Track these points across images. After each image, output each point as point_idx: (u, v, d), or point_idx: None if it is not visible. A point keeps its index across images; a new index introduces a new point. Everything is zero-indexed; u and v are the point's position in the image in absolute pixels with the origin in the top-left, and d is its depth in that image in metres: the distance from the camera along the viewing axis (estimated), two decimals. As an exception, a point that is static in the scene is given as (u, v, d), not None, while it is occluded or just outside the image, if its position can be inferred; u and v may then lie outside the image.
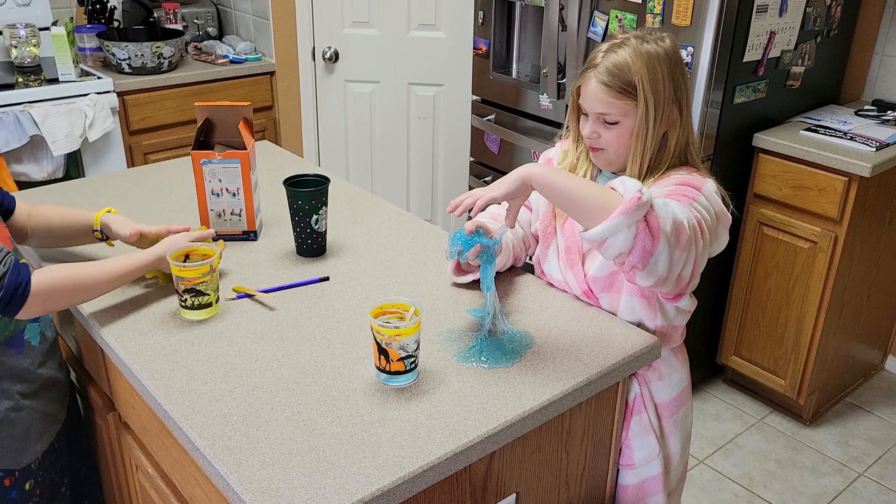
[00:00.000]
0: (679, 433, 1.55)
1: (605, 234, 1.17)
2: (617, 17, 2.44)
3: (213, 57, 3.27)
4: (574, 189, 1.21)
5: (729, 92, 2.39)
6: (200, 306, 1.38)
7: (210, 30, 3.48)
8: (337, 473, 1.04)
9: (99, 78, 2.91)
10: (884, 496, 2.41)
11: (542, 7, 2.67)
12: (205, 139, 1.68)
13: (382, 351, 1.20)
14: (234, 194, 1.63)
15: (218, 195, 1.63)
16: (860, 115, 2.63)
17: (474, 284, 1.52)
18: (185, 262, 1.39)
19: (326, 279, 1.52)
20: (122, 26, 3.28)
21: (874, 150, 2.34)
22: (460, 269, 1.54)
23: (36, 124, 2.68)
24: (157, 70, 3.03)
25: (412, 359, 1.21)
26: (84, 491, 1.70)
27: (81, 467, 1.68)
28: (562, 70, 2.65)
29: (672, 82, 1.38)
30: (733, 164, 2.53)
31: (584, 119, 1.44)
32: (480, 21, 2.91)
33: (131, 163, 3.07)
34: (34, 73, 2.96)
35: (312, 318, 1.40)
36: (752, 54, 2.39)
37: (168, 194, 1.92)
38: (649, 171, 1.42)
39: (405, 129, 3.43)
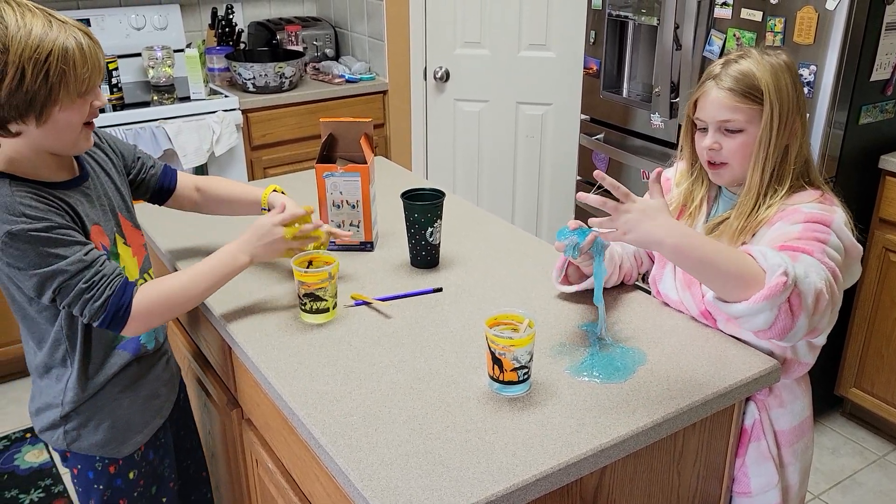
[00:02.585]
0: (799, 464, 1.50)
1: (743, 314, 1.17)
2: (735, 35, 2.40)
3: (330, 77, 3.41)
4: (708, 260, 1.18)
5: (854, 112, 2.30)
6: (318, 311, 1.44)
7: (328, 51, 3.63)
8: (452, 476, 1.06)
9: (226, 96, 3.09)
10: None
11: (656, 26, 2.65)
12: (328, 153, 1.76)
13: (497, 360, 1.22)
14: (353, 206, 1.70)
15: (339, 207, 1.71)
16: None
17: (582, 300, 1.52)
18: (307, 268, 1.46)
19: (440, 290, 1.56)
20: (247, 48, 3.47)
21: None
22: (567, 278, 1.55)
23: (169, 139, 2.86)
24: (278, 89, 3.18)
25: (525, 370, 1.23)
26: (192, 487, 1.77)
27: (190, 465, 1.76)
28: (675, 89, 2.62)
29: (795, 91, 1.36)
30: (857, 188, 2.43)
31: (702, 134, 1.42)
32: (592, 41, 2.92)
33: (252, 176, 3.23)
34: (168, 91, 3.17)
35: (427, 327, 1.45)
36: (879, 73, 2.30)
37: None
38: (770, 184, 1.38)
39: (512, 148, 3.47)
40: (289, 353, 1.36)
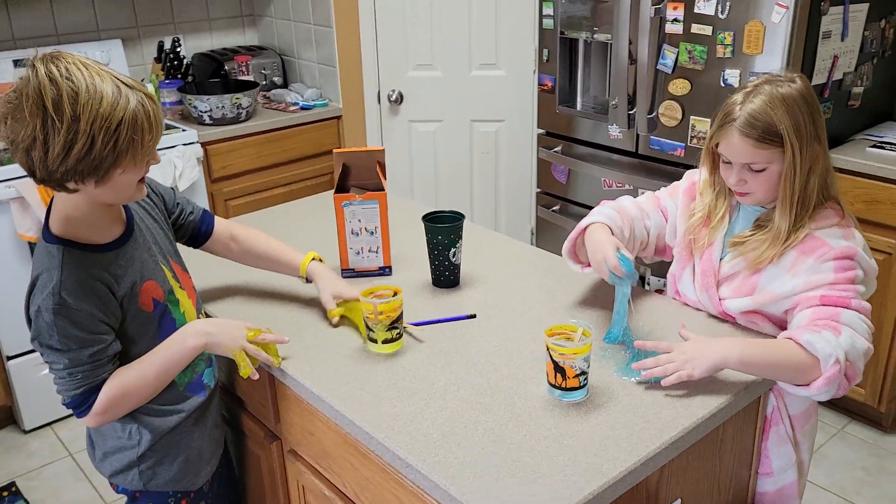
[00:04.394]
0: (807, 442, 1.64)
1: (810, 395, 1.36)
2: (687, 49, 2.57)
3: (284, 105, 3.42)
4: (770, 364, 1.35)
5: (799, 114, 2.50)
6: (393, 340, 1.48)
7: (276, 79, 3.63)
8: (546, 482, 1.13)
9: (184, 130, 3.06)
10: (976, 498, 2.47)
11: (607, 42, 2.81)
12: (340, 183, 1.79)
13: (559, 369, 1.30)
14: (371, 233, 1.75)
15: (357, 234, 1.75)
16: (920, 130, 2.75)
17: (607, 304, 1.61)
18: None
19: (473, 316, 1.61)
20: (196, 80, 3.43)
21: (943, 162, 2.45)
22: (576, 256, 1.66)
23: (132, 177, 2.81)
24: (235, 120, 3.17)
25: (585, 375, 1.31)
26: None
27: (234, 495, 1.79)
28: (631, 101, 2.77)
29: (812, 122, 1.41)
30: (804, 183, 2.64)
31: (726, 167, 1.48)
32: (545, 58, 3.05)
33: (213, 210, 3.20)
34: (121, 128, 3.11)
35: (469, 346, 1.51)
36: (818, 78, 2.51)
37: (290, 236, 2.03)
38: (799, 211, 1.44)
39: (468, 165, 3.56)
40: (346, 380, 1.40)
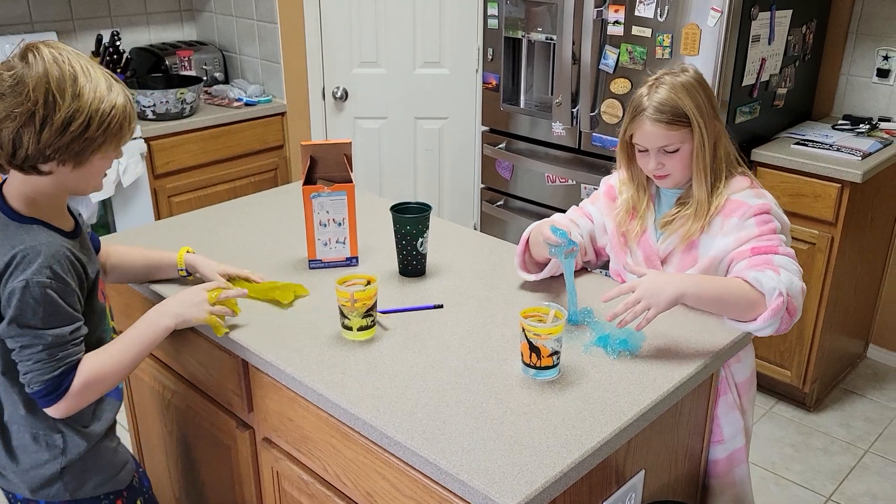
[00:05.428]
0: (751, 409, 1.78)
1: (756, 330, 1.51)
2: (628, 50, 2.69)
3: (227, 100, 3.40)
4: (720, 296, 1.49)
5: (732, 113, 2.66)
6: (368, 327, 1.52)
7: (217, 74, 3.60)
8: (531, 453, 1.20)
9: (126, 125, 3.00)
10: (891, 468, 2.68)
11: (549, 43, 2.91)
12: (308, 176, 1.82)
13: (534, 349, 1.37)
14: (339, 224, 1.78)
15: (325, 225, 1.78)
16: (837, 129, 2.95)
17: (549, 287, 1.69)
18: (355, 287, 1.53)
19: (440, 307, 1.66)
20: (135, 74, 3.37)
21: (860, 158, 2.64)
22: (525, 266, 1.74)
23: (75, 172, 2.75)
24: (179, 115, 3.14)
25: (558, 354, 1.39)
26: None
27: None
28: (574, 100, 2.88)
29: (710, 102, 1.61)
30: (735, 178, 2.81)
31: (643, 155, 1.64)
32: (490, 58, 3.13)
33: (156, 206, 3.16)
34: (59, 122, 3.03)
35: (441, 331, 1.56)
36: (748, 79, 2.68)
37: (251, 230, 2.05)
38: (714, 183, 1.64)
39: (412, 161, 3.62)
40: (327, 366, 1.44)
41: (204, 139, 3.22)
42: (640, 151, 1.65)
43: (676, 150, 1.60)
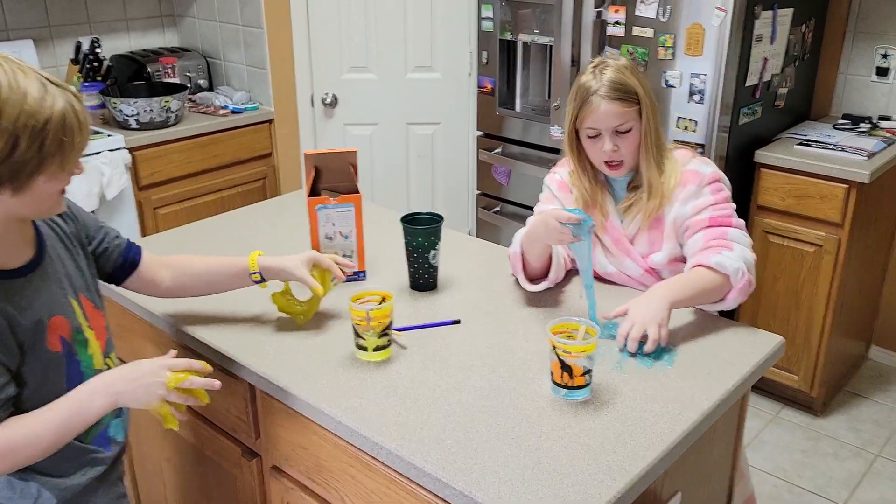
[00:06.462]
0: (748, 470, 1.79)
1: (726, 308, 1.57)
2: (629, 51, 2.63)
3: (213, 108, 3.29)
4: (697, 292, 1.53)
5: (735, 115, 2.61)
6: (384, 347, 1.43)
7: (201, 82, 3.49)
8: (572, 482, 1.12)
9: (109, 135, 2.89)
10: (903, 472, 2.63)
11: (547, 45, 2.84)
12: (312, 186, 1.73)
13: (566, 367, 1.29)
14: (346, 237, 1.69)
15: (331, 239, 1.69)
16: (838, 129, 2.91)
17: (576, 302, 1.62)
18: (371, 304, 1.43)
19: (458, 322, 1.58)
20: (116, 82, 3.25)
21: (866, 158, 2.60)
22: (530, 279, 1.68)
23: (57, 185, 2.63)
24: (164, 124, 3.02)
25: (590, 373, 1.31)
26: None
27: None
28: (573, 103, 2.81)
29: (648, 83, 1.63)
30: (739, 181, 2.75)
31: (594, 142, 1.62)
32: (485, 61, 3.06)
33: (142, 219, 3.04)
34: (37, 133, 2.90)
35: (460, 349, 1.48)
36: (751, 79, 2.62)
37: (248, 246, 1.95)
38: (660, 161, 1.64)
39: (405, 168, 3.53)
40: (343, 390, 1.35)
41: (190, 148, 3.10)
42: (590, 138, 1.63)
43: (628, 131, 1.60)
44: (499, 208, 3.22)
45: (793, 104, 2.97)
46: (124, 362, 1.31)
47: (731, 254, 1.55)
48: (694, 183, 1.63)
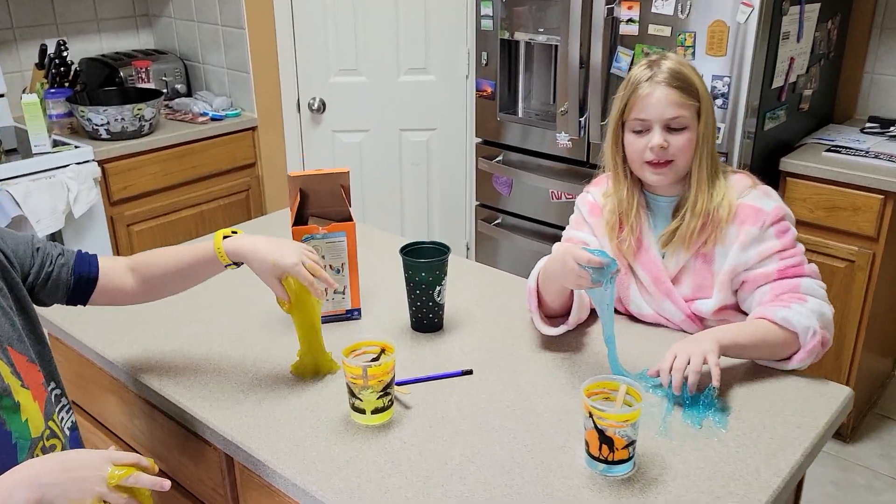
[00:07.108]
0: None
1: (794, 368, 1.34)
2: (644, 51, 2.40)
3: (191, 115, 3.05)
4: (757, 342, 1.31)
5: (761, 119, 2.39)
6: (385, 408, 1.21)
7: (178, 86, 3.25)
8: None
9: (76, 146, 2.64)
10: (945, 506, 2.43)
11: (552, 45, 2.61)
12: (298, 212, 1.50)
13: (606, 440, 1.07)
14: (338, 271, 1.46)
15: (320, 273, 1.46)
16: (867, 133, 2.70)
17: (600, 346, 1.40)
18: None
19: (470, 372, 1.35)
20: (86, 88, 3.00)
21: (901, 166, 2.39)
22: (550, 320, 1.45)
23: (17, 203, 2.38)
24: (137, 134, 2.78)
25: (634, 445, 1.09)
26: None
27: None
28: (582, 108, 2.59)
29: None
30: (764, 190, 2.54)
31: (638, 137, 1.40)
32: (484, 62, 2.83)
33: (114, 237, 2.80)
34: (-2, 146, 2.66)
35: (474, 407, 1.25)
36: (777, 80, 2.41)
37: (226, 276, 1.71)
38: (710, 176, 1.42)
39: (398, 177, 3.30)
40: (336, 465, 1.12)
41: (166, 159, 2.86)
42: (635, 133, 1.41)
43: (683, 129, 1.38)
44: (499, 221, 2.98)
45: (816, 106, 2.76)
46: (80, 419, 1.07)
47: (801, 308, 1.32)
48: (755, 223, 1.39)
